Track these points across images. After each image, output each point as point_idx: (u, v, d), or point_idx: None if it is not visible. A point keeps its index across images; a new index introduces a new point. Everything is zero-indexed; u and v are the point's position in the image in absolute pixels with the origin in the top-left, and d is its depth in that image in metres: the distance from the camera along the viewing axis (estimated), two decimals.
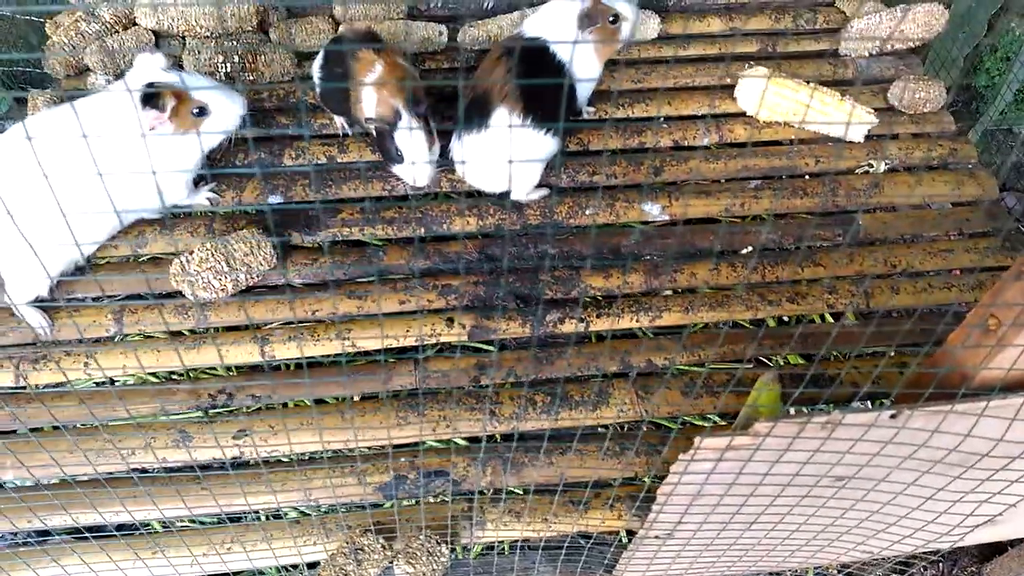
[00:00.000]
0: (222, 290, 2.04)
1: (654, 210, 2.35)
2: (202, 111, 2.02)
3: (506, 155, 2.16)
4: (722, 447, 1.22)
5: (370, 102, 2.13)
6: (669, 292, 2.24)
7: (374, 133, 2.20)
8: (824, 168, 2.51)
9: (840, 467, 1.31)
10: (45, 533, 1.89)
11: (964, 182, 2.51)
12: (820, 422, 1.18)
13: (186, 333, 2.11)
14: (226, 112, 2.05)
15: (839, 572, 2.15)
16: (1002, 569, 2.34)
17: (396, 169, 2.20)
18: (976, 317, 1.18)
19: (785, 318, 2.23)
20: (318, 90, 2.38)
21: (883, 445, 1.22)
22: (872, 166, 2.54)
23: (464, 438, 2.00)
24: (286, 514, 1.89)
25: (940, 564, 2.52)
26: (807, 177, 2.51)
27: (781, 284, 2.27)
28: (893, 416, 1.19)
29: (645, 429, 2.03)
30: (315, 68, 2.36)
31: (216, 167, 2.35)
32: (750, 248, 2.33)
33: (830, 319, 2.25)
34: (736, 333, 2.18)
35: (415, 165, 2.11)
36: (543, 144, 2.20)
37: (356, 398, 2.05)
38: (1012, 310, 1.13)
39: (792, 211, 2.42)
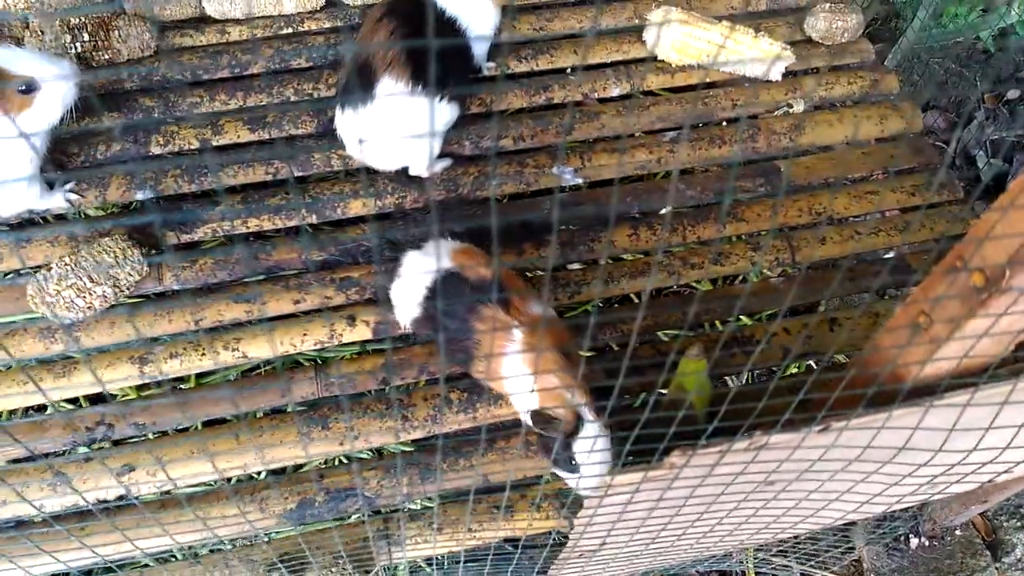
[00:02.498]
0: (88, 308, 1.82)
1: (566, 173, 2.18)
2: (29, 87, 1.74)
3: (397, 128, 1.95)
4: (636, 481, 1.09)
5: (521, 389, 1.60)
6: (585, 263, 2.09)
7: (529, 425, 1.61)
8: (741, 112, 2.36)
9: (772, 475, 1.19)
10: None
11: (887, 116, 2.39)
12: (742, 447, 1.05)
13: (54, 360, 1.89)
14: (57, 83, 1.77)
15: (784, 553, 2.10)
16: (944, 509, 2.34)
17: (559, 471, 1.61)
18: (905, 316, 1.05)
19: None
20: (407, 321, 1.83)
21: (813, 462, 1.10)
22: (791, 106, 2.40)
23: (374, 449, 1.85)
24: (184, 554, 1.72)
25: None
26: (724, 124, 2.36)
27: (704, 244, 2.14)
28: (823, 431, 1.07)
29: None
30: (411, 280, 1.78)
31: (73, 162, 2.08)
32: (669, 208, 2.18)
33: (754, 278, 2.14)
34: (661, 302, 2.05)
35: (592, 480, 1.53)
36: (440, 112, 2.00)
37: (258, 414, 1.87)
38: (944, 306, 1.00)
39: (710, 162, 2.27)
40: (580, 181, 2.18)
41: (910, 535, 2.51)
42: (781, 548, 2.61)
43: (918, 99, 2.67)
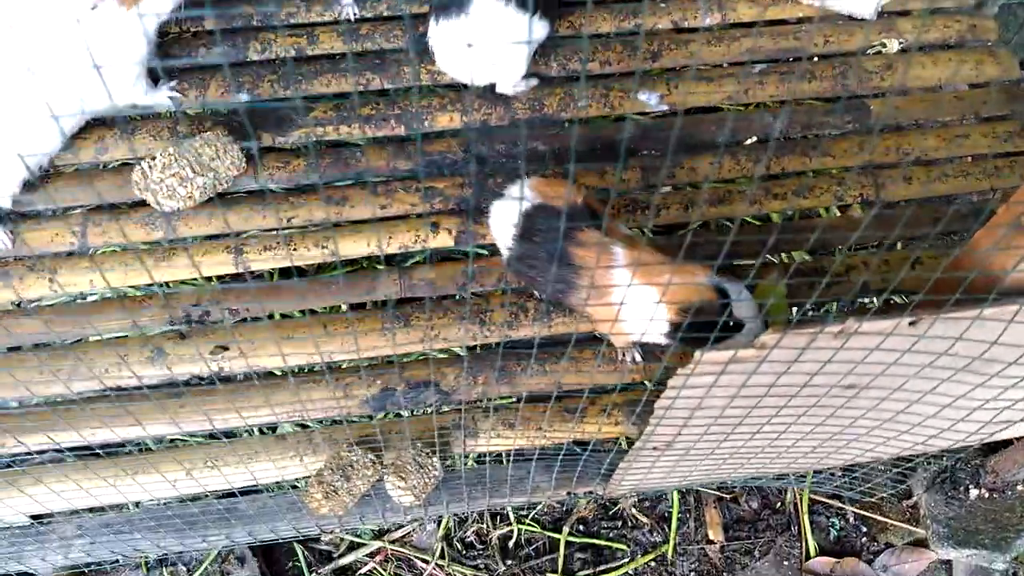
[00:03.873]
0: (188, 198, 1.91)
1: (652, 100, 2.19)
2: None
3: (488, 42, 1.98)
4: (724, 361, 1.12)
5: (647, 299, 1.57)
6: (668, 188, 2.11)
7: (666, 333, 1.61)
8: (833, 49, 2.33)
9: (852, 375, 1.22)
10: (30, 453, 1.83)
11: (983, 61, 2.33)
12: (833, 331, 1.08)
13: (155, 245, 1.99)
14: None
15: (843, 474, 2.12)
16: (1007, 461, 2.31)
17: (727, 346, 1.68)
18: (1006, 215, 1.06)
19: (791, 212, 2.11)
20: (505, 259, 1.83)
21: (901, 354, 1.12)
22: (885, 45, 2.36)
23: (454, 347, 1.91)
24: (271, 431, 1.82)
25: (944, 458, 2.50)
26: (815, 59, 2.33)
27: (787, 176, 2.14)
28: (913, 323, 1.09)
29: None
30: (500, 225, 1.80)
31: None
32: (755, 138, 2.18)
33: (838, 213, 2.13)
34: (739, 230, 2.07)
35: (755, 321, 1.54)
36: (531, 29, 2.02)
37: (343, 308, 1.95)
38: None
39: (799, 97, 2.26)
40: (666, 107, 2.19)
41: (970, 486, 2.50)
42: (837, 489, 2.63)
43: (1018, 51, 2.59)
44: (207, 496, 1.68)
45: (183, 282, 1.99)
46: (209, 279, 1.98)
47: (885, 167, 2.17)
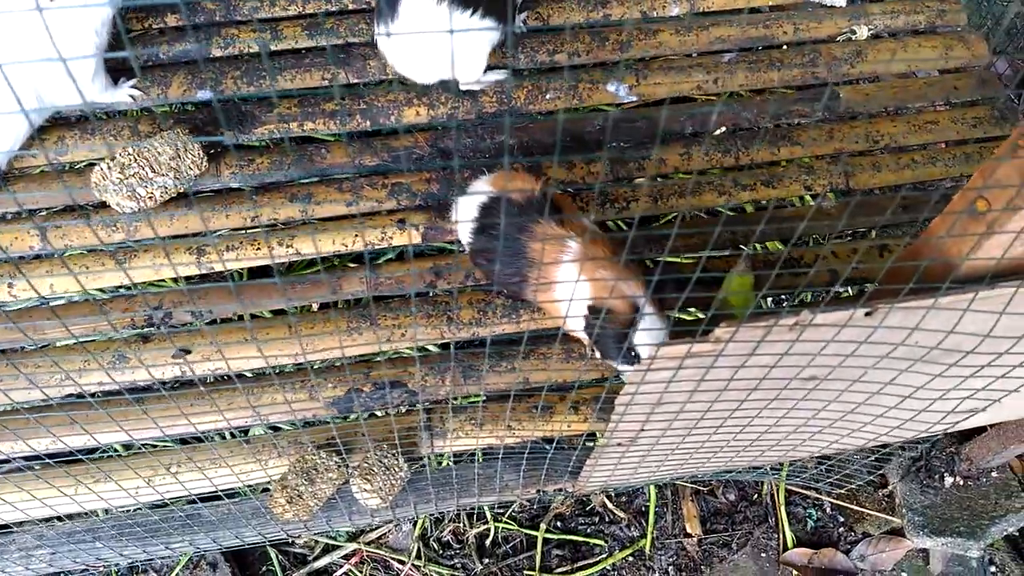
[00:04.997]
0: (149, 198, 1.87)
1: (620, 91, 2.17)
2: None
3: (430, 42, 1.93)
4: (681, 355, 1.11)
5: (572, 295, 1.59)
6: (642, 180, 2.09)
7: (584, 327, 1.63)
8: (803, 36, 2.32)
9: (812, 367, 1.21)
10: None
11: (952, 47, 2.33)
12: (787, 324, 1.06)
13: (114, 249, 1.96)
14: None
15: (816, 466, 2.11)
16: (981, 448, 2.31)
17: (620, 365, 1.67)
18: (963, 201, 1.05)
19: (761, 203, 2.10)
20: (468, 251, 1.82)
21: (858, 345, 1.11)
22: (855, 32, 2.35)
23: (421, 347, 1.89)
24: (236, 435, 1.80)
25: (919, 446, 2.50)
26: (784, 47, 2.32)
27: (757, 166, 2.12)
28: (868, 314, 1.07)
29: None
30: (461, 218, 1.79)
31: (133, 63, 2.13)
32: (724, 129, 2.16)
33: (810, 201, 2.12)
34: (709, 220, 2.05)
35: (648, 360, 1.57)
36: (475, 25, 1.96)
37: (310, 307, 1.93)
38: (1005, 192, 0.99)
39: (768, 86, 2.24)
40: (634, 99, 2.17)
41: (945, 474, 2.50)
42: (811, 479, 2.63)
43: (990, 35, 2.58)
44: (171, 503, 1.66)
45: (148, 284, 1.95)
46: (175, 280, 1.95)
47: (855, 155, 2.16)
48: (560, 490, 1.78)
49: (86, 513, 1.66)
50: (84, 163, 2.03)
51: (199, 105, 2.12)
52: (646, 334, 1.56)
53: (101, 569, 2.05)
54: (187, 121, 2.04)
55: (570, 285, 1.60)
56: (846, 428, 1.41)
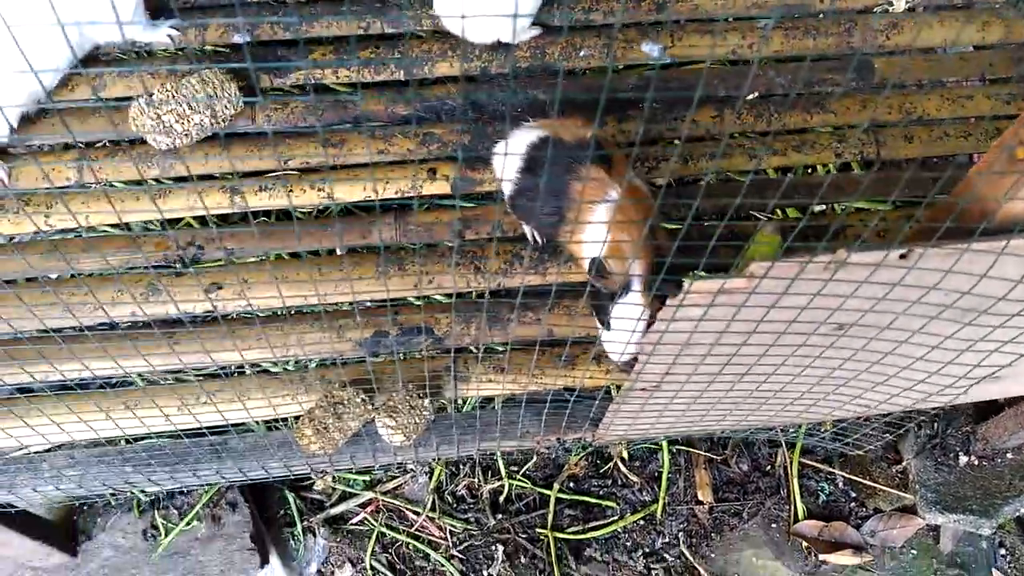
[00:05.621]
0: (185, 135, 1.90)
1: (654, 51, 2.17)
2: None
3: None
4: (713, 291, 1.12)
5: (595, 244, 1.59)
6: (668, 141, 2.10)
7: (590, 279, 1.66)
8: (840, 6, 2.31)
9: (841, 313, 1.22)
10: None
11: (990, 24, 2.31)
12: (823, 262, 1.07)
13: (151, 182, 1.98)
14: None
15: (832, 426, 2.12)
16: (997, 428, 2.32)
17: (599, 330, 1.70)
18: (1004, 143, 1.05)
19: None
20: (507, 195, 1.81)
21: (890, 288, 1.12)
22: (891, 4, 2.33)
23: (447, 294, 1.91)
24: (265, 369, 1.83)
25: (935, 424, 2.50)
26: (821, 16, 2.31)
27: (788, 133, 2.12)
28: (903, 256, 1.08)
29: None
30: (503, 161, 1.81)
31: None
32: (757, 94, 2.16)
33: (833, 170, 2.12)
34: (736, 184, 2.06)
35: (617, 345, 1.59)
36: None
37: (337, 251, 1.95)
38: None
39: (803, 53, 2.24)
40: (669, 60, 2.17)
41: (960, 453, 2.50)
42: (825, 442, 2.64)
43: None
44: (199, 432, 1.69)
45: (181, 220, 1.98)
46: (204, 220, 1.97)
47: (887, 126, 2.15)
48: (579, 439, 1.80)
49: (116, 439, 1.70)
50: (121, 100, 2.05)
51: (236, 47, 2.14)
52: (623, 308, 1.58)
53: (124, 495, 2.10)
54: (223, 63, 2.05)
55: (597, 233, 1.62)
56: (870, 382, 1.42)
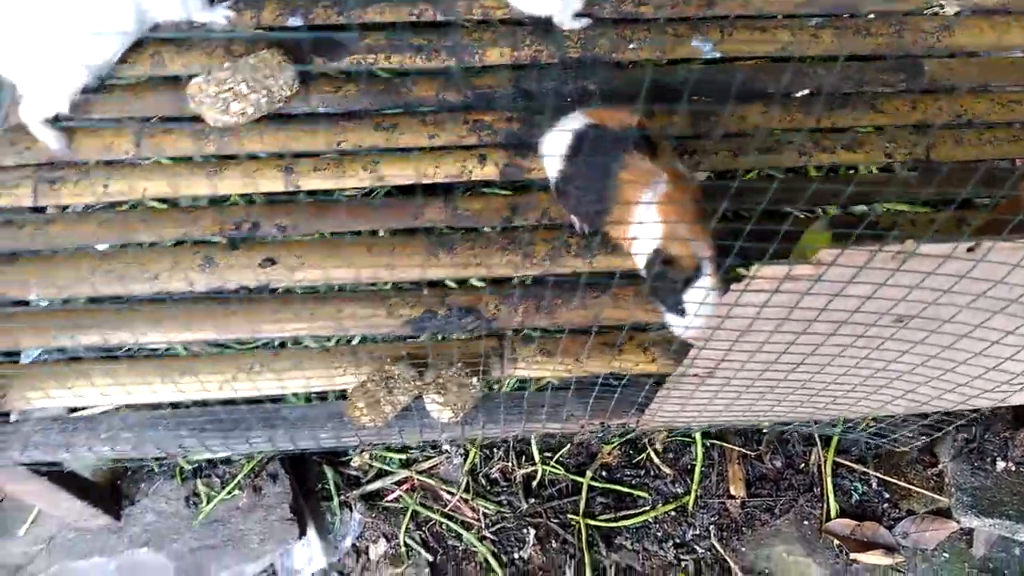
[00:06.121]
0: (242, 114, 1.93)
1: (705, 46, 2.18)
2: None
3: None
4: (780, 276, 1.13)
5: (646, 233, 1.62)
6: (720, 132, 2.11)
7: (644, 265, 1.67)
8: (891, 8, 2.31)
9: (902, 305, 1.22)
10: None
11: None
12: (892, 251, 1.08)
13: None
14: None
15: (873, 424, 2.12)
16: None
17: (666, 315, 1.68)
18: None
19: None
20: (553, 183, 1.84)
21: (956, 280, 1.13)
22: (943, 6, 2.33)
23: (496, 278, 1.93)
24: (318, 343, 1.86)
25: (972, 428, 2.50)
26: (872, 16, 2.31)
27: (838, 131, 2.13)
28: (971, 249, 1.09)
29: None
30: (549, 153, 1.81)
31: None
32: (806, 91, 2.17)
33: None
34: (785, 179, 2.06)
35: (694, 330, 1.56)
36: None
37: (376, 232, 1.98)
38: None
39: (854, 52, 2.24)
40: (719, 55, 2.18)
41: (997, 458, 2.50)
42: (862, 455, 2.64)
43: None
44: (252, 400, 1.73)
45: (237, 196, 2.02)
46: (252, 200, 2.01)
47: (936, 128, 2.15)
48: (623, 424, 1.82)
49: (175, 405, 1.74)
50: (178, 78, 2.09)
51: (293, 30, 2.17)
52: (699, 293, 1.59)
53: (174, 461, 2.15)
54: (280, 44, 2.08)
55: (647, 221, 1.63)
56: (923, 377, 1.43)
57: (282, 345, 1.92)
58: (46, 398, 1.69)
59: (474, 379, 1.70)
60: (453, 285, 1.94)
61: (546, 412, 1.76)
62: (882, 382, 1.49)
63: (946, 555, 2.56)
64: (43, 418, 1.75)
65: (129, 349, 1.86)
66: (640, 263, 1.71)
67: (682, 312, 1.60)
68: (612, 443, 2.62)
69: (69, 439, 1.68)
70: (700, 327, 1.49)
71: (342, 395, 1.83)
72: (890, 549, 2.54)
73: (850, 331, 1.30)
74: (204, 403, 1.81)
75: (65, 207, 1.98)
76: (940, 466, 2.56)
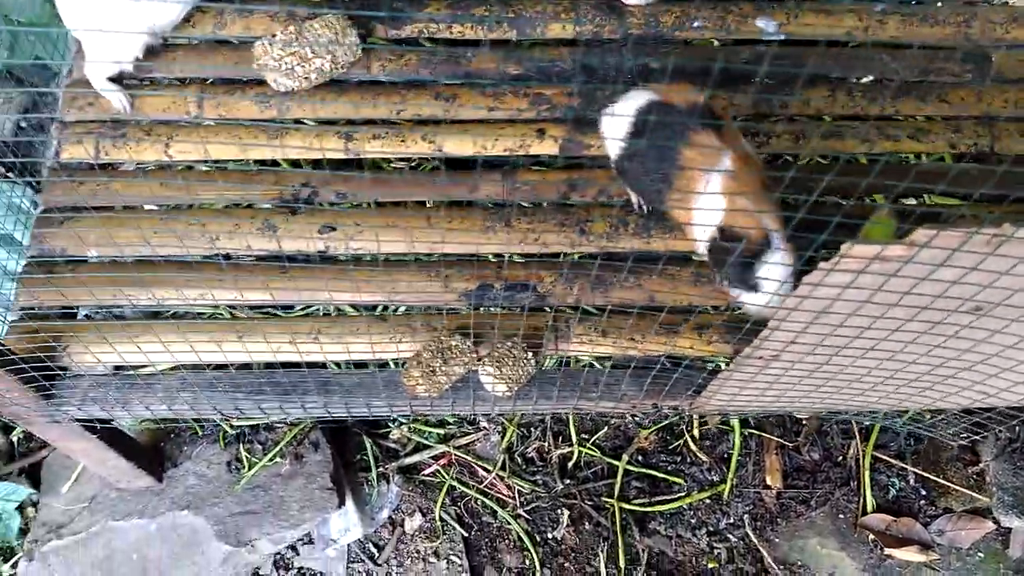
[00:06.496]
0: (305, 78, 1.92)
1: (769, 27, 2.15)
2: None
3: None
4: (870, 256, 1.11)
5: (712, 208, 1.61)
6: (778, 117, 2.08)
7: (709, 247, 1.67)
8: None
9: (986, 292, 1.20)
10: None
11: None
12: (988, 234, 1.06)
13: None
14: None
15: (921, 418, 2.10)
16: None
17: (737, 293, 1.68)
18: None
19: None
20: (614, 160, 1.83)
21: None
22: None
23: (551, 254, 1.92)
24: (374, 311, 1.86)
25: (1017, 428, 2.47)
26: (939, 4, 2.27)
27: (901, 119, 2.10)
28: None
29: None
30: (611, 128, 1.81)
31: None
32: (871, 78, 2.14)
33: (949, 160, 2.09)
34: (848, 167, 2.04)
35: (771, 306, 1.51)
36: None
37: (426, 203, 1.97)
38: None
39: (920, 40, 2.20)
40: (783, 36, 2.16)
41: None
42: (900, 451, 2.62)
43: None
44: (310, 364, 1.74)
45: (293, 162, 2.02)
46: (318, 164, 2.01)
47: (1003, 119, 2.12)
48: (676, 407, 1.81)
49: (228, 366, 1.75)
50: (241, 41, 2.08)
51: None
52: (773, 268, 1.56)
53: (215, 426, 2.16)
54: (343, 9, 2.08)
55: (709, 199, 1.62)
56: (995, 368, 1.41)
57: (339, 311, 1.92)
58: (106, 354, 1.70)
59: (529, 354, 1.69)
60: (513, 259, 1.93)
61: (600, 389, 1.76)
62: (951, 372, 1.47)
63: (981, 555, 2.54)
64: (102, 374, 1.76)
65: (177, 312, 1.87)
66: (702, 242, 1.70)
67: (754, 288, 1.58)
68: (649, 428, 2.61)
69: (126, 396, 1.69)
70: (777, 304, 1.47)
71: (383, 365, 1.84)
72: (925, 546, 2.52)
73: (927, 317, 1.28)
74: (247, 366, 1.81)
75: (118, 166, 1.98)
76: (981, 464, 2.53)
